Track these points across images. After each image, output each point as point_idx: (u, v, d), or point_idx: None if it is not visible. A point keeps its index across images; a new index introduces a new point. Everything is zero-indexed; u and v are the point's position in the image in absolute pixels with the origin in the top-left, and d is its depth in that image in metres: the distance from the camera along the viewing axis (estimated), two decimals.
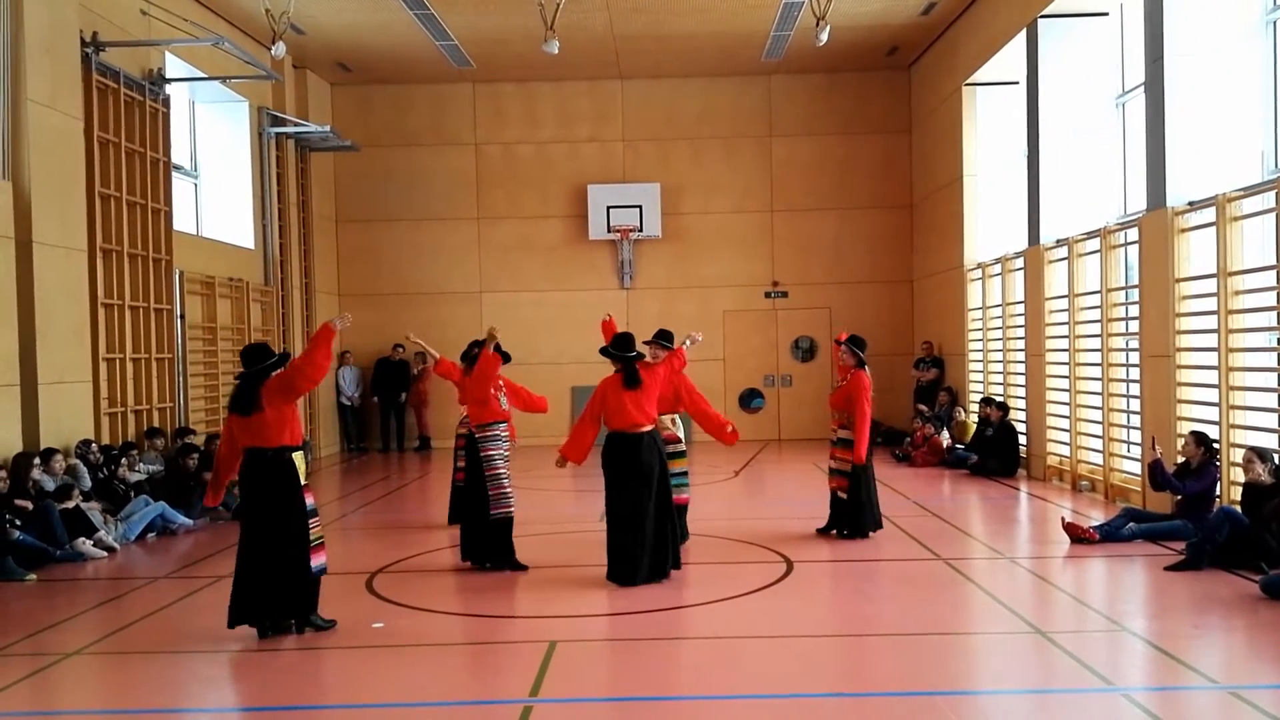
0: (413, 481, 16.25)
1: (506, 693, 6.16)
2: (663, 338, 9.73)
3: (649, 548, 8.60)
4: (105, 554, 10.35)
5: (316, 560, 7.39)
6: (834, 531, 10.51)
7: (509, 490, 9.33)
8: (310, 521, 7.37)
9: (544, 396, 10.41)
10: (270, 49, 14.76)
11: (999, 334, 16.30)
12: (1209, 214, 10.46)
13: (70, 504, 10.43)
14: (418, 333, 12.38)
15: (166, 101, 14.58)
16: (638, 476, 8.60)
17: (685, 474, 10.10)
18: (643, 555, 8.58)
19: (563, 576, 9.02)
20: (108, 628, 7.81)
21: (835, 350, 10.81)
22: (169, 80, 14.75)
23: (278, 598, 7.31)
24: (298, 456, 7.38)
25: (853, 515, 10.34)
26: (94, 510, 10.83)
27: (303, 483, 7.36)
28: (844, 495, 10.34)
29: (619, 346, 8.93)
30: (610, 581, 8.64)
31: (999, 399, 15.64)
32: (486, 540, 9.30)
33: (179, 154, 16.02)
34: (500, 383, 9.63)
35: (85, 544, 10.23)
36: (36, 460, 10.82)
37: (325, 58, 18.95)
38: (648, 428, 8.74)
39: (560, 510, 12.57)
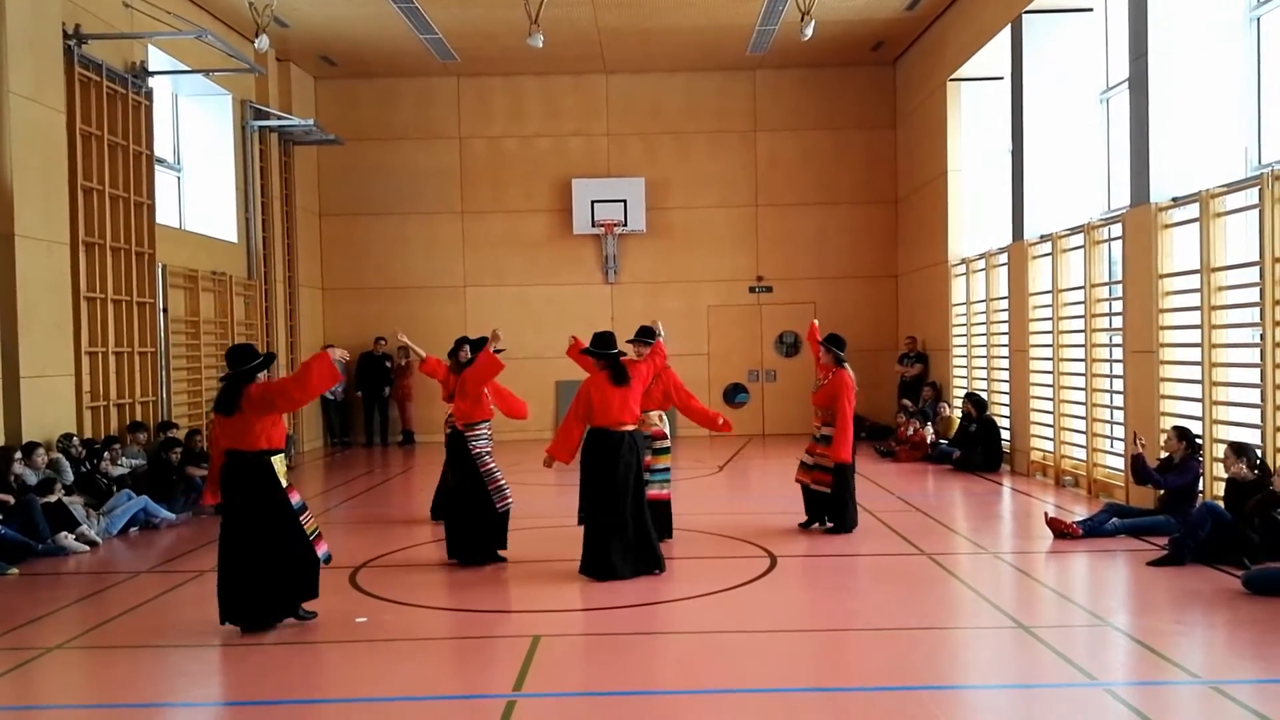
0: (396, 476, 16.21)
1: (490, 687, 6.15)
2: (645, 334, 9.72)
3: (630, 545, 8.62)
4: (87, 548, 10.31)
5: (320, 550, 7.49)
6: (816, 525, 10.52)
7: (504, 482, 9.50)
8: (302, 517, 7.40)
9: (525, 402, 10.42)
10: (254, 42, 14.72)
11: (983, 329, 16.34)
12: (1192, 210, 10.50)
13: (52, 498, 10.38)
14: (400, 328, 12.37)
15: (149, 94, 14.49)
16: (617, 474, 8.61)
17: (668, 470, 10.09)
18: (623, 551, 8.59)
19: (546, 571, 9.01)
20: (90, 622, 7.77)
21: (814, 345, 10.80)
22: (152, 73, 14.67)
23: (267, 595, 7.30)
24: (277, 460, 7.37)
25: (837, 509, 10.35)
26: (76, 504, 10.78)
27: (284, 484, 7.35)
28: (827, 490, 10.35)
29: (600, 345, 8.92)
30: (583, 575, 8.65)
31: (980, 394, 15.69)
32: (483, 535, 9.32)
33: (162, 147, 15.93)
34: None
35: (67, 538, 10.19)
36: (18, 454, 10.76)
37: (309, 51, 18.87)
38: (630, 426, 8.76)
39: (543, 505, 12.56)
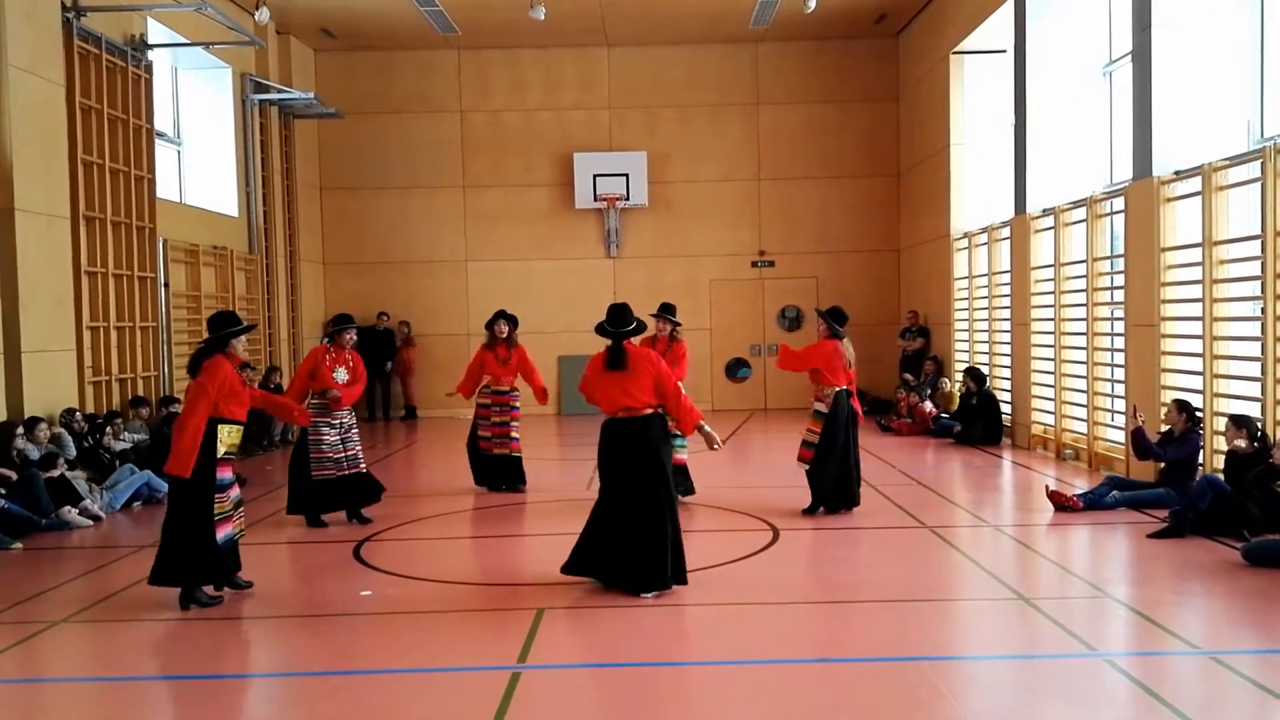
0: (399, 450, 16.24)
1: (494, 660, 6.17)
2: (668, 311, 9.63)
3: (618, 549, 7.48)
4: (91, 522, 10.34)
5: (221, 531, 7.35)
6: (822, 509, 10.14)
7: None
8: (218, 496, 7.30)
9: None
10: (254, 14, 14.65)
11: (985, 303, 16.33)
12: (1195, 183, 10.48)
13: (55, 473, 10.40)
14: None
15: (149, 67, 14.45)
16: (622, 466, 7.54)
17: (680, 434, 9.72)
18: (601, 554, 7.58)
19: (550, 545, 9.03)
20: (94, 596, 7.80)
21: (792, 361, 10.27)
22: (151, 46, 14.62)
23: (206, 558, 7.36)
24: (226, 430, 7.34)
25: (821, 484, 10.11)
26: (79, 479, 10.81)
27: (218, 455, 7.28)
28: (808, 465, 10.04)
29: (614, 318, 7.71)
30: (638, 594, 7.45)
31: (979, 368, 15.67)
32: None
33: (162, 121, 15.89)
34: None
35: (71, 512, 10.22)
36: (21, 429, 10.79)
37: (309, 23, 18.78)
38: (646, 412, 7.52)
39: (547, 479, 12.58)
